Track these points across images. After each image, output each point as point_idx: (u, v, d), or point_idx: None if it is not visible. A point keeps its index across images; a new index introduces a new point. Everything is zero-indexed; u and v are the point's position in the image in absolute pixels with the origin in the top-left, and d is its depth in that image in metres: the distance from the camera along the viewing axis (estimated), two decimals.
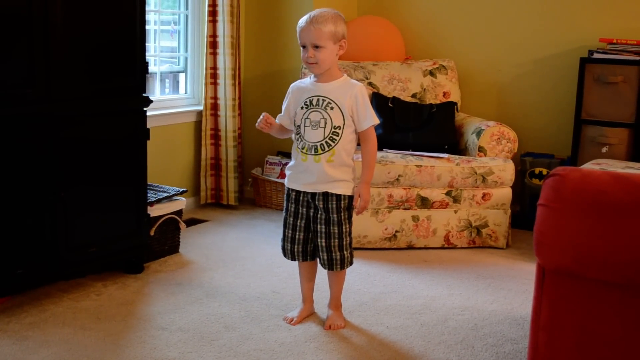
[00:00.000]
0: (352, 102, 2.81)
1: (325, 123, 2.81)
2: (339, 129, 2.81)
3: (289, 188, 2.95)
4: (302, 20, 2.79)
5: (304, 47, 2.80)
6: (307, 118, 2.83)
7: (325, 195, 2.86)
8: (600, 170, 1.97)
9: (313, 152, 2.83)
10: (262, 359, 2.66)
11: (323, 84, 2.84)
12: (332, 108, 2.81)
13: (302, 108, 2.85)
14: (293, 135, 2.91)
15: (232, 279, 3.49)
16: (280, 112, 2.97)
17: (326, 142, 2.82)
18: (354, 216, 3.00)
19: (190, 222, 4.42)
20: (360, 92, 2.83)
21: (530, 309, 2.11)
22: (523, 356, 2.75)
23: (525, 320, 3.09)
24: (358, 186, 2.88)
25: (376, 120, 2.85)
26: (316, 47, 2.77)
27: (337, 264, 2.91)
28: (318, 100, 2.83)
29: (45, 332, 2.82)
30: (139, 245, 3.49)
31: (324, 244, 2.90)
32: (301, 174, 2.88)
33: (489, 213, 4.09)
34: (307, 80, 2.90)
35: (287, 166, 2.96)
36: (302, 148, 2.85)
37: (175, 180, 4.63)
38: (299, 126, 2.86)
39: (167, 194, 3.77)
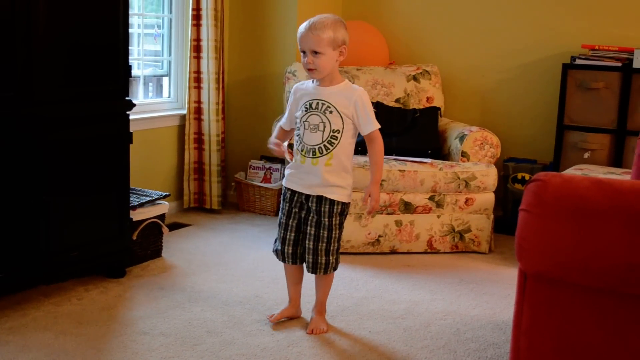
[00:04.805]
0: (353, 108, 2.83)
1: (324, 127, 2.82)
2: (338, 133, 2.83)
3: (285, 187, 2.96)
4: (302, 26, 2.81)
5: (303, 52, 2.81)
6: (306, 121, 2.85)
7: (320, 198, 2.87)
8: (581, 175, 1.98)
9: (311, 155, 2.84)
10: None
11: (324, 87, 2.86)
12: (331, 112, 2.82)
13: (302, 111, 2.87)
14: (294, 137, 2.93)
15: (215, 283, 3.48)
16: (273, 120, 2.97)
17: (324, 146, 2.83)
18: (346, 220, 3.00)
19: (173, 227, 4.40)
20: (360, 98, 2.84)
21: (512, 313, 2.11)
22: None
23: (507, 324, 3.10)
24: (368, 186, 2.89)
25: (377, 125, 2.86)
26: (315, 53, 2.78)
27: (322, 267, 2.91)
28: (318, 103, 2.84)
29: (25, 336, 2.80)
30: (121, 249, 3.47)
31: (311, 247, 2.90)
32: (298, 175, 2.90)
33: (472, 218, 4.11)
34: (310, 84, 2.92)
35: (287, 166, 2.97)
36: (302, 150, 2.87)
37: (158, 184, 4.61)
38: (299, 128, 2.88)
39: (150, 198, 3.75)
